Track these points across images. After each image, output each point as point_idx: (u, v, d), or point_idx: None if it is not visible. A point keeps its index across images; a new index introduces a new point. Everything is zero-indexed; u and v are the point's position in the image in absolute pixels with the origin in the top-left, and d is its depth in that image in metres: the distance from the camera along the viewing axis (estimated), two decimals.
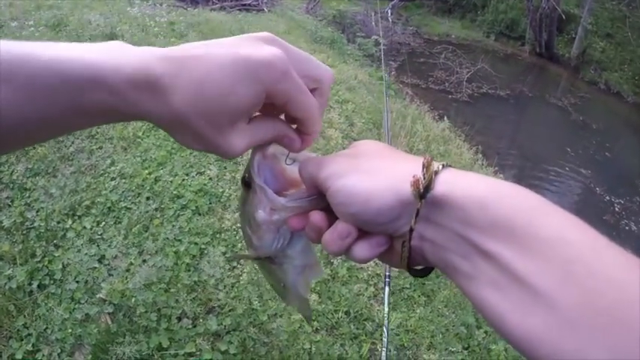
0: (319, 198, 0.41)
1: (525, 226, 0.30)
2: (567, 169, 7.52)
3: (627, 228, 6.21)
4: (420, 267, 0.40)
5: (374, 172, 0.37)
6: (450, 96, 9.32)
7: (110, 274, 2.57)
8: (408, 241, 0.36)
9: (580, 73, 12.21)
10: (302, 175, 0.42)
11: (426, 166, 0.34)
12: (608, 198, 6.76)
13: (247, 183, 0.45)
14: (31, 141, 0.39)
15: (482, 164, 5.14)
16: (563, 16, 12.28)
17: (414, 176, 0.34)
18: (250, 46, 0.37)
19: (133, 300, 2.41)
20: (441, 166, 0.35)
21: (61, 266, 2.55)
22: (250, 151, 0.44)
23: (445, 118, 6.16)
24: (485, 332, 2.91)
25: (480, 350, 2.81)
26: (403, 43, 12.01)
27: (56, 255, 2.61)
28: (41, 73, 0.32)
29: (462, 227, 0.32)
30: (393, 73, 9.43)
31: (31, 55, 0.32)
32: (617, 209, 6.58)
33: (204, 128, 0.37)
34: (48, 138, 0.38)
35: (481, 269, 0.31)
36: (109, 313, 2.37)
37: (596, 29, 12.99)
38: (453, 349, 2.74)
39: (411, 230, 0.35)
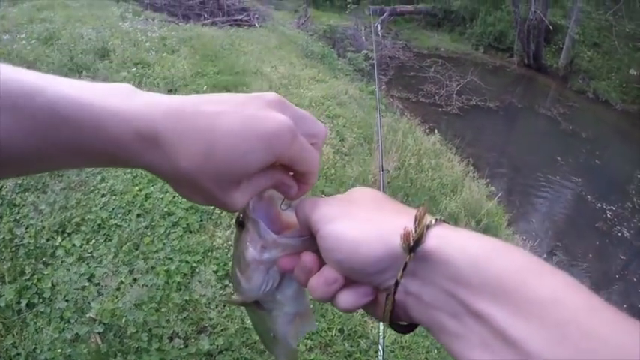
0: (312, 240, 0.40)
1: (518, 286, 0.29)
2: (558, 177, 7.57)
3: (620, 234, 6.24)
4: (404, 323, 0.38)
5: (365, 220, 0.37)
6: (440, 109, 9.38)
7: (100, 293, 2.53)
8: (393, 295, 0.35)
9: (568, 82, 12.37)
10: (297, 215, 0.42)
11: (419, 219, 0.33)
12: (599, 205, 6.81)
13: (241, 223, 0.45)
14: (27, 171, 0.38)
15: (474, 177, 5.17)
16: (551, 27, 12.48)
17: (405, 228, 0.33)
18: (260, 110, 0.37)
19: (124, 319, 2.38)
20: (434, 220, 0.34)
21: (50, 284, 2.51)
22: None
23: (436, 131, 6.20)
24: None
25: None
26: (393, 57, 12.11)
27: (45, 273, 2.57)
28: (44, 110, 0.32)
29: (452, 285, 0.31)
30: (383, 87, 9.49)
31: (37, 90, 0.32)
32: (609, 216, 6.62)
33: (209, 188, 0.37)
34: (45, 171, 0.39)
35: (471, 329, 0.31)
36: (99, 333, 2.33)
37: (583, 39, 13.19)
38: None
39: (397, 284, 0.34)
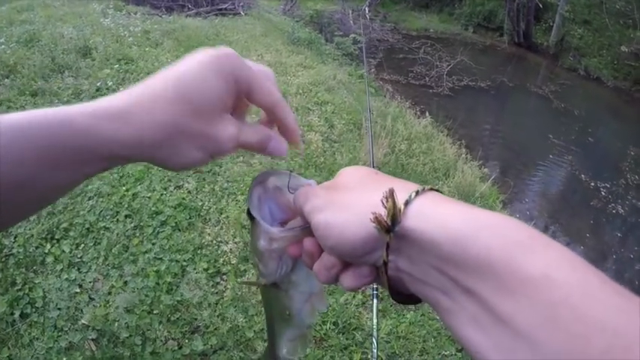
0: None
1: (505, 263, 0.28)
2: (551, 156, 7.56)
3: (615, 211, 6.26)
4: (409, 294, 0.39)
5: (348, 205, 0.37)
6: (430, 90, 9.32)
7: (92, 299, 2.50)
8: (385, 274, 0.35)
9: (559, 60, 12.32)
10: (295, 207, 0.44)
11: (387, 198, 0.32)
12: (593, 183, 6.81)
13: (251, 215, 0.48)
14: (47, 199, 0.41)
15: (467, 158, 5.13)
16: (540, 5, 12.40)
17: (373, 213, 0.33)
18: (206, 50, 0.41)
19: (116, 324, 2.35)
20: (414, 194, 0.33)
21: (42, 293, 2.47)
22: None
23: (427, 113, 6.14)
24: None
25: None
26: (382, 40, 11.99)
27: (37, 282, 2.53)
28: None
29: (439, 262, 0.31)
30: (372, 70, 9.40)
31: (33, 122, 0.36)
32: (603, 193, 6.62)
33: (195, 127, 0.39)
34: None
35: (462, 305, 0.30)
36: (92, 340, 2.30)
37: (573, 16, 13.12)
38: (446, 353, 2.71)
39: (385, 263, 0.35)
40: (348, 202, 0.37)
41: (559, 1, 12.65)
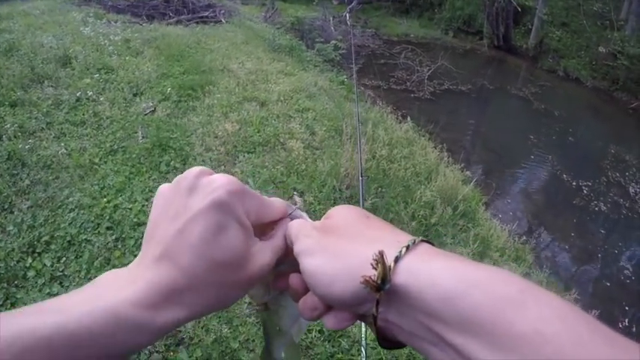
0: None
1: (495, 321, 0.27)
2: (533, 157, 7.66)
3: (597, 209, 6.35)
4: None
5: (339, 255, 0.37)
6: (412, 95, 9.39)
7: None
8: (374, 325, 0.35)
9: (539, 62, 12.53)
10: (286, 240, 0.44)
11: (378, 261, 0.32)
12: (575, 182, 6.92)
13: None
14: None
15: (449, 162, 5.17)
16: (519, 9, 12.61)
17: (362, 276, 0.33)
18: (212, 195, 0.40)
19: None
20: (404, 250, 0.33)
21: None
22: None
23: (408, 118, 6.18)
24: None
25: None
26: (363, 46, 12.07)
27: (19, 297, 2.49)
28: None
29: (426, 318, 0.31)
30: (354, 76, 9.43)
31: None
32: (585, 192, 6.72)
33: (231, 277, 0.40)
34: None
35: (453, 358, 0.30)
36: None
37: (551, 19, 13.37)
38: None
39: (374, 316, 0.35)
40: (340, 251, 0.37)
41: (537, 4, 12.89)
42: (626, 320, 4.55)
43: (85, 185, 3.32)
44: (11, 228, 2.88)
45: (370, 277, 0.32)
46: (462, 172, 5.25)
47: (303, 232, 0.41)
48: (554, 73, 11.99)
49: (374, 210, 3.56)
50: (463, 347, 0.29)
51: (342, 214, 0.42)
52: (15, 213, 3.02)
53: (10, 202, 3.09)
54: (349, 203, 3.30)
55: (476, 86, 10.50)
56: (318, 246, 0.38)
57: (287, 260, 0.44)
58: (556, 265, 5.07)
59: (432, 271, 0.31)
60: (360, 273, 0.33)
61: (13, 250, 2.73)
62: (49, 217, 3.02)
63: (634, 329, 4.44)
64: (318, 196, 3.53)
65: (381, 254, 0.33)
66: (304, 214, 0.48)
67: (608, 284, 5.07)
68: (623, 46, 11.14)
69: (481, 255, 3.64)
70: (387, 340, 0.37)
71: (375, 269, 0.32)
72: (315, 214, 3.34)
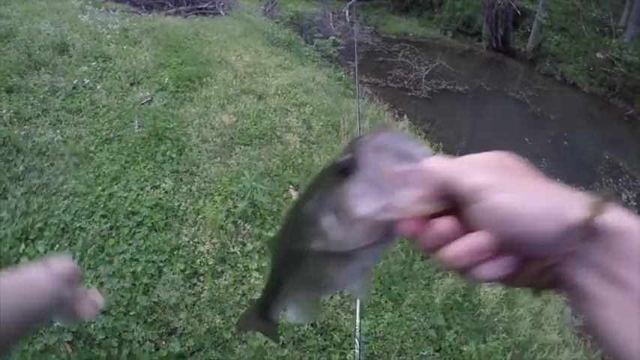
0: (445, 203, 0.38)
1: None
2: (527, 160, 7.67)
3: None
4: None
5: (537, 191, 0.35)
6: (409, 93, 9.41)
7: None
8: (548, 270, 0.34)
9: (536, 66, 12.58)
10: (429, 177, 0.38)
11: (597, 201, 0.33)
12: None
13: (344, 169, 0.42)
14: None
15: None
16: (518, 12, 12.65)
17: (590, 204, 0.33)
18: None
19: (92, 326, 2.31)
20: (605, 199, 0.33)
21: None
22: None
23: (405, 116, 6.20)
24: (456, 332, 2.91)
25: (452, 351, 2.82)
26: (361, 43, 12.05)
27: None
28: None
29: (623, 262, 0.31)
30: (351, 72, 9.45)
31: None
32: None
33: None
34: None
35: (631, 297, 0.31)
36: (68, 342, 2.26)
37: (550, 23, 13.42)
38: (424, 353, 2.74)
39: (569, 256, 0.33)
40: (538, 188, 0.36)
41: (537, 8, 12.93)
42: None
43: (80, 173, 3.30)
44: (4, 214, 2.85)
45: (596, 206, 0.32)
46: None
47: (467, 165, 0.38)
48: (551, 77, 12.04)
49: None
50: None
51: (503, 156, 0.41)
52: (9, 199, 2.99)
53: (4, 188, 3.07)
54: None
55: (473, 87, 10.53)
56: (507, 181, 0.36)
57: (437, 202, 0.38)
58: None
59: (636, 220, 0.32)
60: (569, 210, 0.32)
61: (6, 236, 2.70)
62: (43, 204, 2.99)
63: None
64: None
65: (606, 195, 0.33)
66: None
67: None
68: (621, 54, 11.21)
69: None
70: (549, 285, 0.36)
71: (590, 211, 0.32)
72: None
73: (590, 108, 10.86)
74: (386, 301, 2.95)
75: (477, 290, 3.30)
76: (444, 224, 0.37)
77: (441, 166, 0.38)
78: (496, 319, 3.13)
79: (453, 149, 6.59)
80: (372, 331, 2.74)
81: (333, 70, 8.04)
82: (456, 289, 3.18)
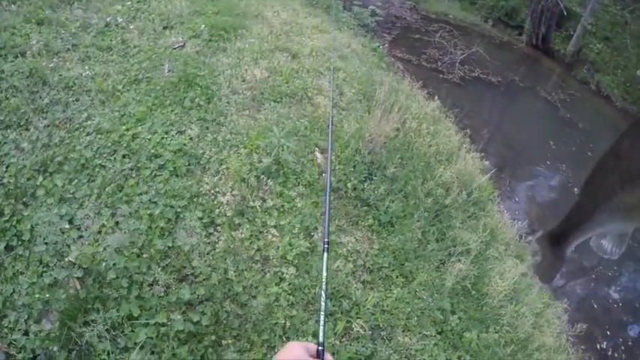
0: None
1: None
2: (549, 162, 7.55)
3: None
4: None
5: None
6: (441, 75, 9.20)
7: (80, 236, 2.43)
8: None
9: (573, 70, 12.18)
10: None
11: None
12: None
13: None
14: None
15: (469, 148, 5.06)
16: (565, 12, 12.15)
17: None
18: None
19: (104, 265, 2.29)
20: None
21: (29, 226, 2.39)
22: None
23: (436, 97, 6.04)
24: (460, 319, 2.89)
25: (453, 336, 2.80)
26: (399, 17, 11.77)
27: (25, 214, 2.45)
28: None
29: None
30: (386, 45, 9.23)
31: None
32: None
33: None
34: None
35: None
36: (78, 278, 2.25)
37: (595, 30, 12.92)
38: (427, 333, 2.72)
39: None
40: None
41: (584, 12, 12.42)
42: (604, 344, 4.56)
43: (105, 111, 3.25)
44: (25, 145, 2.82)
45: None
46: (481, 160, 5.16)
47: None
48: (586, 85, 11.66)
49: (393, 180, 3.51)
50: None
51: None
52: (31, 130, 2.95)
53: (26, 120, 3.02)
54: (369, 170, 3.20)
55: (506, 80, 10.25)
56: None
57: None
58: None
59: None
60: None
61: (24, 167, 2.67)
62: (65, 138, 2.95)
63: (609, 353, 4.45)
64: (340, 155, 3.45)
65: None
66: None
67: (595, 306, 5.08)
68: None
69: (487, 245, 3.60)
70: None
71: None
72: (335, 173, 3.30)
73: (620, 124, 10.52)
74: (397, 276, 2.92)
75: (486, 280, 3.26)
76: None
77: None
78: (502, 312, 3.10)
79: (477, 138, 6.45)
80: (380, 303, 2.71)
81: (368, 41, 7.84)
82: (467, 276, 3.14)
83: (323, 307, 1.00)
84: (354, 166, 3.43)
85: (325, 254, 1.18)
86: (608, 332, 4.74)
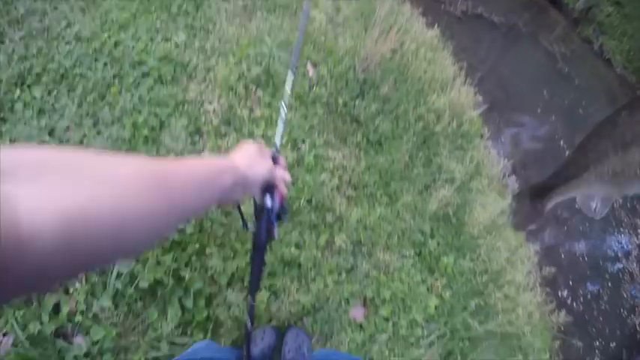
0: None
1: None
2: (539, 111, 7.48)
3: None
4: None
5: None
6: (442, 6, 8.86)
7: None
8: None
9: (578, 27, 11.82)
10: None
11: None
12: (569, 152, 6.85)
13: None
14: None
15: (464, 82, 4.98)
16: None
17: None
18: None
19: None
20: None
21: (8, 141, 2.32)
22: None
23: (436, 26, 5.85)
24: (438, 243, 2.95)
25: (431, 259, 2.86)
26: None
27: (4, 130, 2.37)
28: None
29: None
30: None
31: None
32: None
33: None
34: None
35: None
36: None
37: None
38: (405, 254, 2.77)
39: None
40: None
41: None
42: (565, 292, 4.69)
43: (85, 18, 3.07)
44: (1, 58, 2.66)
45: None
46: (475, 95, 5.09)
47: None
48: (589, 44, 11.35)
49: (385, 100, 3.44)
50: None
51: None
52: (6, 43, 2.76)
53: (1, 32, 2.83)
54: (362, 88, 3.10)
55: (509, 22, 9.93)
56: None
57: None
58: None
59: None
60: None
61: (1, 81, 2.55)
62: (43, 49, 2.79)
63: (569, 302, 4.59)
64: (332, 71, 3.33)
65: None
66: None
67: (562, 255, 5.17)
68: None
69: (471, 177, 3.61)
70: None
71: None
72: (327, 87, 3.21)
73: (615, 90, 10.36)
74: (381, 195, 2.93)
75: (467, 210, 3.30)
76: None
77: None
78: (480, 242, 3.16)
79: (472, 74, 6.33)
80: (363, 220, 2.74)
81: None
82: (450, 203, 3.17)
83: (283, 115, 1.14)
84: (347, 82, 3.34)
85: (293, 76, 1.18)
86: (571, 283, 4.88)
